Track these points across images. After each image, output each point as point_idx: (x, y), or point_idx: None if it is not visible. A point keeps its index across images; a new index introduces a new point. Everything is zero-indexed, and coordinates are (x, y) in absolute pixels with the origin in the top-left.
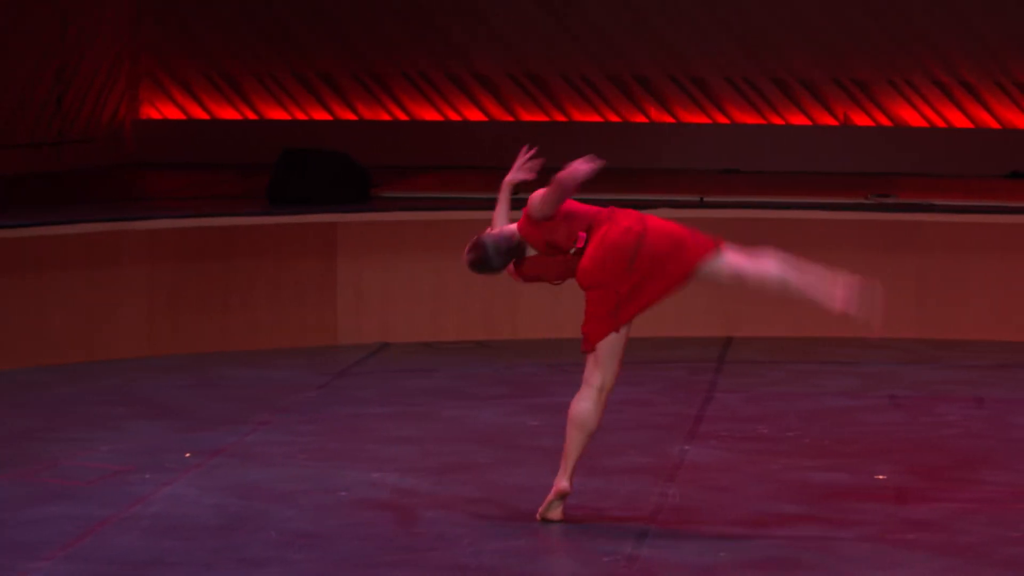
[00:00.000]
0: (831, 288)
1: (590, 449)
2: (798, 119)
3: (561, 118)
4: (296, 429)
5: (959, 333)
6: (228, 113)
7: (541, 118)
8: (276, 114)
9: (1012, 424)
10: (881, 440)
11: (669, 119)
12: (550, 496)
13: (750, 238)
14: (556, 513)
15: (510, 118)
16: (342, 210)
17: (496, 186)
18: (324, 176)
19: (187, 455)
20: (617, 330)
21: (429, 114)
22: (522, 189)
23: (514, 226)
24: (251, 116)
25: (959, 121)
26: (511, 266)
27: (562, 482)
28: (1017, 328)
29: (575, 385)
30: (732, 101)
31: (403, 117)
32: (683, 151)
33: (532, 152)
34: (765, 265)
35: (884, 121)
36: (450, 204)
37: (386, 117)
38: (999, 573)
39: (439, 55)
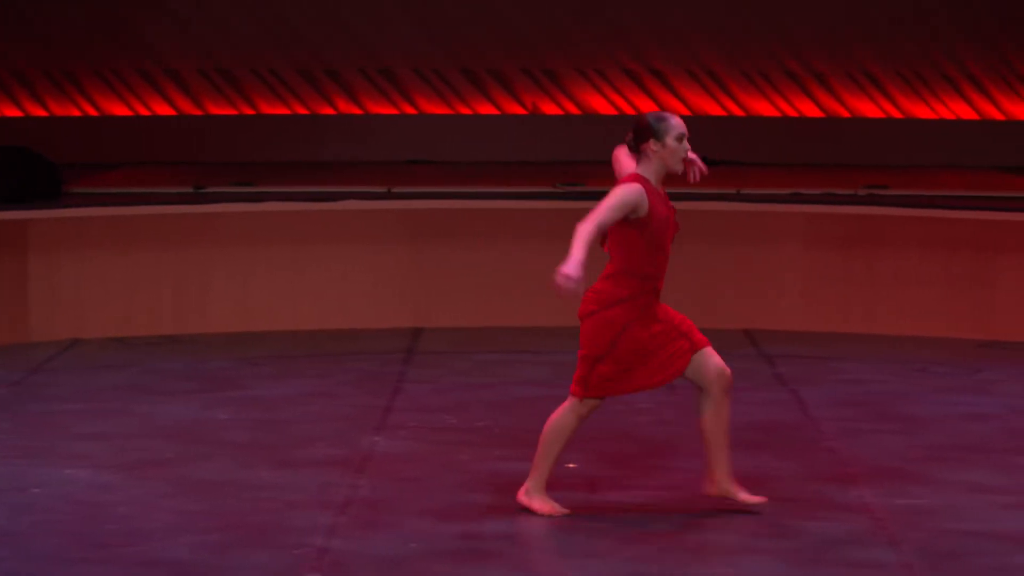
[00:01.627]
0: None
1: (279, 441)
2: (486, 109)
3: (250, 111)
4: None
5: None
6: None
7: (230, 111)
8: None
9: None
10: None
11: (357, 111)
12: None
13: (438, 228)
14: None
15: (199, 112)
16: (33, 207)
17: (181, 179)
18: (13, 174)
19: None
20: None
21: (119, 109)
22: None
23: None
24: None
25: (647, 108)
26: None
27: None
28: (715, 317)
29: (265, 378)
30: (420, 92)
31: (93, 113)
32: (372, 142)
33: None
34: None
35: (573, 109)
36: (140, 199)
37: (76, 113)
38: (688, 559)
39: (129, 51)
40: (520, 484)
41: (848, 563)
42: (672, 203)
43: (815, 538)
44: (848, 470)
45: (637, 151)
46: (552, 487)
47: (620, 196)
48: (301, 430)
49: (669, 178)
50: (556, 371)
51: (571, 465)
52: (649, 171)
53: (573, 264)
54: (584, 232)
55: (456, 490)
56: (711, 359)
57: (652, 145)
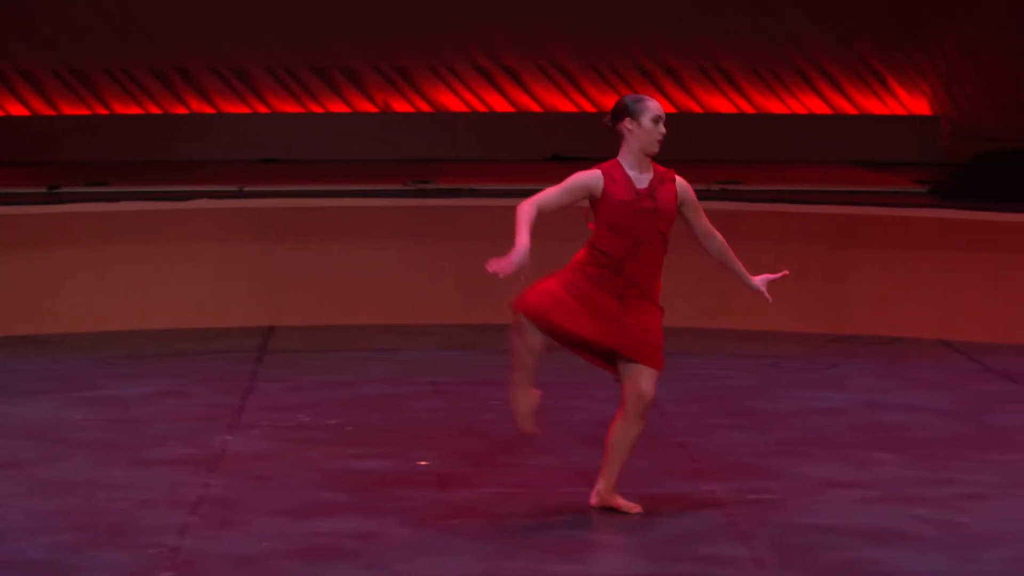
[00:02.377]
0: None
1: (133, 440)
2: (338, 107)
3: (103, 111)
4: None
5: (499, 318)
6: None
7: (82, 111)
8: None
9: (553, 407)
10: (423, 426)
11: (210, 110)
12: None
13: (290, 227)
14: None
15: (52, 112)
16: None
17: (36, 180)
18: None
19: None
20: None
21: None
22: None
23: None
24: None
25: (500, 105)
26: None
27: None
28: None
29: (119, 378)
30: (272, 91)
31: None
32: (224, 142)
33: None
34: None
35: (424, 107)
36: None
37: None
38: (542, 556)
39: None
40: (371, 481)
41: (700, 558)
42: (662, 194)
43: (667, 534)
44: (699, 466)
45: (613, 131)
46: (402, 485)
47: (571, 179)
48: (155, 429)
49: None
50: (408, 368)
51: (423, 463)
52: (626, 155)
53: (517, 250)
54: (523, 213)
55: (309, 488)
56: (640, 380)
57: (627, 123)
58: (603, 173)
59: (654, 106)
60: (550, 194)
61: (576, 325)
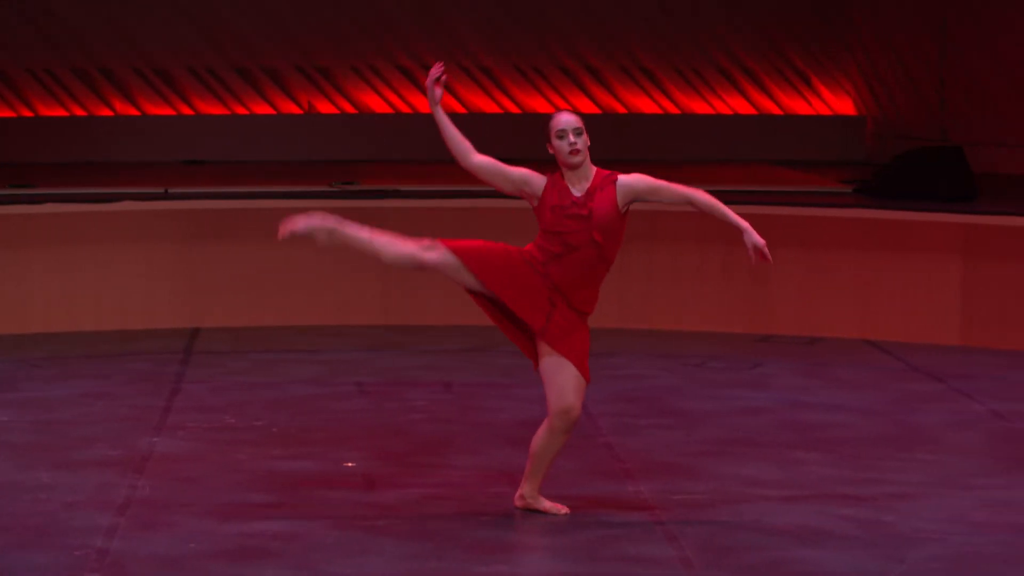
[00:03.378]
0: None
1: (58, 442)
2: (262, 108)
3: (28, 113)
4: None
5: (424, 319)
6: None
7: (8, 114)
8: None
9: (478, 407)
10: (348, 427)
11: (134, 112)
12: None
13: (214, 228)
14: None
15: None
16: None
17: None
18: None
19: None
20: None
21: None
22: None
23: None
24: None
25: (425, 107)
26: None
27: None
28: (480, 313)
29: (43, 380)
30: (196, 92)
31: None
32: (148, 143)
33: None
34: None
35: (348, 108)
36: None
37: None
38: (467, 556)
39: None
40: (297, 482)
41: (626, 558)
42: (599, 201)
43: (592, 534)
44: (624, 465)
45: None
46: (327, 486)
47: (521, 168)
48: (80, 431)
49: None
50: (332, 369)
51: (349, 464)
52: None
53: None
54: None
55: (235, 490)
56: (566, 391)
57: (548, 146)
58: (547, 178)
59: (556, 122)
60: (497, 163)
61: (498, 282)
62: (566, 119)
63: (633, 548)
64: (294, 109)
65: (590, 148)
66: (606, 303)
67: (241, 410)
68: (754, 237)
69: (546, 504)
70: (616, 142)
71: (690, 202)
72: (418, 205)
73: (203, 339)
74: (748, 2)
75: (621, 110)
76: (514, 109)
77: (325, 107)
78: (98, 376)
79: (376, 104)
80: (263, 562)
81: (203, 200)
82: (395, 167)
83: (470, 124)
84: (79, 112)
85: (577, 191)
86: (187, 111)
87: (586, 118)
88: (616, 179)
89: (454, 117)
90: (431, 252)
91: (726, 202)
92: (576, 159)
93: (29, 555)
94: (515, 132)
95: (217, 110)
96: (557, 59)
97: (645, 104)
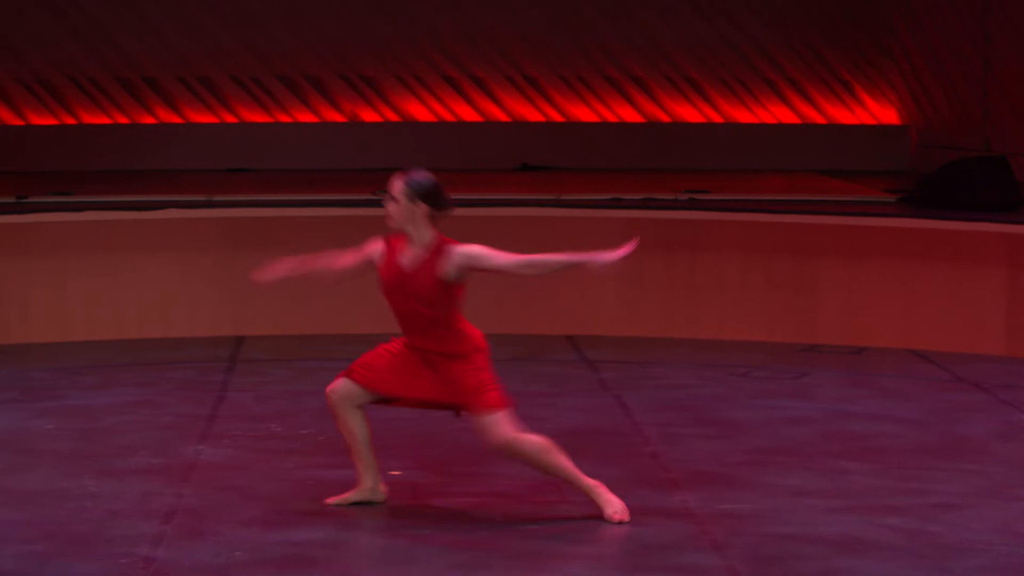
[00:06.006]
0: None
1: (107, 450)
2: (306, 116)
3: (71, 121)
4: None
5: None
6: None
7: (51, 122)
8: None
9: (526, 416)
10: (393, 436)
11: (177, 119)
12: None
13: (258, 236)
14: None
15: (20, 121)
16: None
17: (2, 189)
18: None
19: None
20: None
21: None
22: None
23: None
24: None
25: (468, 115)
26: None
27: None
28: (528, 321)
29: (87, 388)
30: (239, 100)
31: None
32: (191, 151)
33: None
34: None
35: (392, 116)
36: None
37: None
38: (513, 565)
39: None
40: (343, 490)
41: (672, 568)
42: (421, 269)
43: (639, 544)
44: (670, 475)
45: None
46: None
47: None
48: (125, 440)
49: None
50: None
51: (394, 472)
52: None
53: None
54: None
55: (281, 498)
56: (484, 433)
57: None
58: (384, 244)
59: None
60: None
61: (390, 385)
62: (393, 185)
63: (680, 558)
64: (337, 117)
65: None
66: (651, 311)
67: (287, 419)
68: (602, 259)
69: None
70: (660, 151)
71: (529, 268)
72: (463, 214)
73: (247, 347)
74: (792, 11)
75: (665, 119)
76: (558, 118)
77: (369, 115)
78: (142, 384)
79: (419, 112)
80: (309, 571)
81: (247, 208)
82: (439, 176)
83: (514, 132)
84: (122, 120)
85: (406, 258)
86: (230, 119)
87: (630, 127)
88: (443, 250)
89: (498, 125)
90: (349, 419)
91: (771, 211)
92: (392, 224)
93: (74, 563)
94: (559, 142)
95: (260, 118)
96: (601, 69)
97: (689, 113)
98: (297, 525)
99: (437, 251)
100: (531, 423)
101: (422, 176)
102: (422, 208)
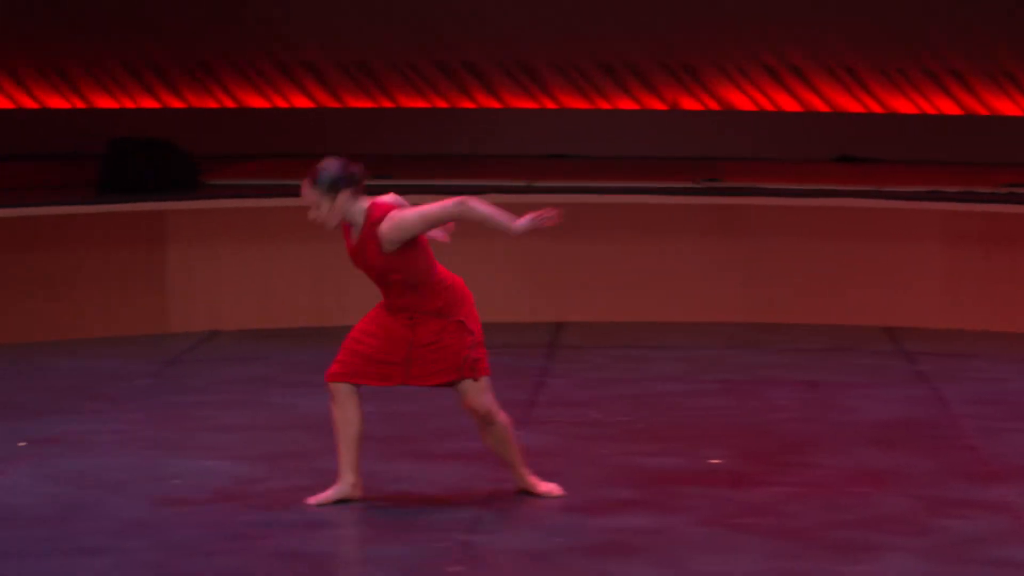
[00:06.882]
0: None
1: (420, 434)
2: (626, 104)
3: (388, 104)
4: (129, 418)
5: (786, 317)
6: (57, 102)
7: (368, 104)
8: (104, 103)
9: (842, 407)
10: (713, 424)
11: (496, 104)
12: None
13: (577, 222)
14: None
15: (337, 104)
16: (171, 198)
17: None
18: (152, 164)
19: (20, 444)
20: None
21: (256, 101)
22: None
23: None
24: (80, 105)
25: (788, 105)
26: None
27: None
28: (844, 311)
29: None
30: (559, 86)
31: (231, 104)
32: (511, 136)
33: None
34: None
35: (713, 105)
36: (278, 191)
37: (214, 104)
38: (831, 556)
39: (262, 42)
40: (662, 478)
41: (991, 562)
42: (363, 238)
43: (956, 536)
44: (988, 468)
45: None
46: (693, 483)
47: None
48: (443, 423)
49: None
50: (695, 366)
51: (714, 461)
52: None
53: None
54: None
55: (600, 484)
56: (466, 397)
57: None
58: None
59: None
60: None
61: (379, 376)
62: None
63: (998, 551)
64: (658, 105)
65: None
66: (969, 306)
67: (605, 405)
68: (521, 224)
69: (540, 487)
70: (977, 145)
71: (458, 204)
72: (782, 203)
73: (567, 333)
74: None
75: (983, 112)
76: (878, 109)
77: (689, 104)
78: None
79: (741, 102)
80: (629, 557)
81: (566, 194)
82: (758, 165)
83: (832, 123)
84: (441, 104)
85: (354, 235)
86: (550, 104)
87: (947, 119)
88: (376, 230)
89: (817, 116)
90: (347, 406)
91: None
92: (329, 227)
93: (389, 547)
94: (879, 133)
95: (580, 104)
96: (921, 62)
97: (1007, 107)
98: (616, 511)
99: (372, 225)
100: (849, 413)
101: (323, 170)
102: (343, 195)
